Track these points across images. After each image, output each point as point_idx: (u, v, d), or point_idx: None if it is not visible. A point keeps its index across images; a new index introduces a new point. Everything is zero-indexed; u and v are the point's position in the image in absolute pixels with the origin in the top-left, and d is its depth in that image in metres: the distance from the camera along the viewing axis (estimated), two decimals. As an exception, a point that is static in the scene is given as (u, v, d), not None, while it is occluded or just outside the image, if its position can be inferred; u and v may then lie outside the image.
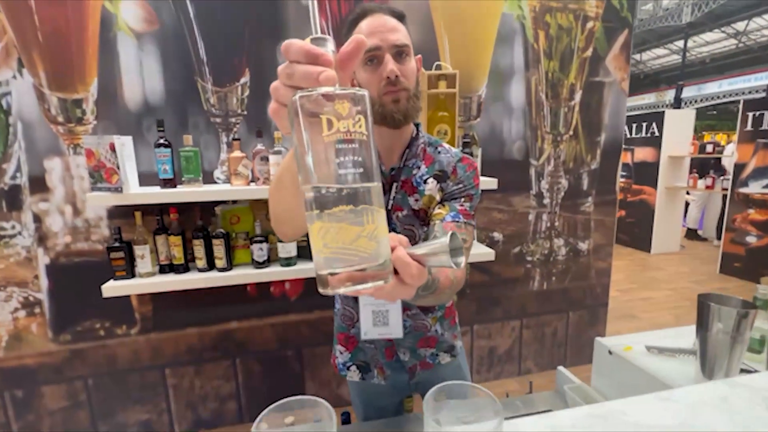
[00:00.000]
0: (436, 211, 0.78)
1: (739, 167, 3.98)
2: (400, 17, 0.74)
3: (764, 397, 0.46)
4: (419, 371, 0.92)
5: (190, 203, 1.60)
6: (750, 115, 3.86)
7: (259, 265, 1.58)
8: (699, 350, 0.75)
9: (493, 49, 1.87)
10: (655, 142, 4.90)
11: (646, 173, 5.03)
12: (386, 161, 0.80)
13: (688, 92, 17.65)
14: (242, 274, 1.55)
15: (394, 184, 0.79)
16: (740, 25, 17.08)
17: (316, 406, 0.33)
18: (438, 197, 0.79)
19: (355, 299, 0.87)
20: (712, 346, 0.71)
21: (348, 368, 0.94)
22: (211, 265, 1.57)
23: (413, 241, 0.80)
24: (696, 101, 17.51)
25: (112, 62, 1.50)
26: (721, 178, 4.65)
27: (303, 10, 1.61)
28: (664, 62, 20.99)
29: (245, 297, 1.79)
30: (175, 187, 1.49)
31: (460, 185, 0.80)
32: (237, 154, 1.52)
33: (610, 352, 0.92)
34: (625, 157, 5.37)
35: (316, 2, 0.55)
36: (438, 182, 0.79)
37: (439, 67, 1.72)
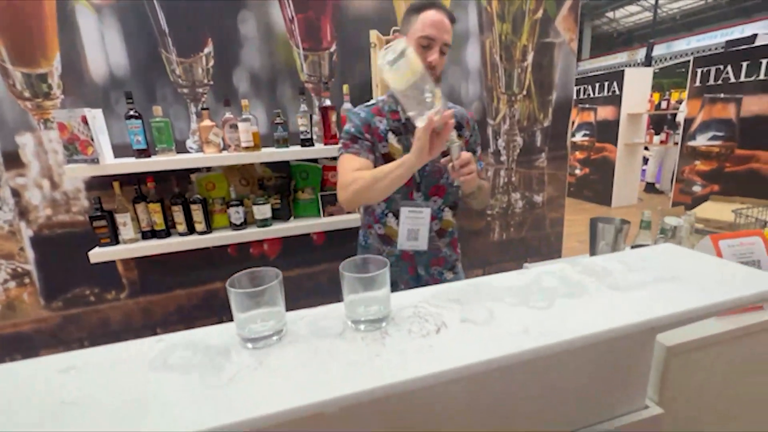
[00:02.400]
0: None
1: (688, 122, 4.26)
2: (453, 21, 1.02)
3: (585, 269, 0.64)
4: (431, 284, 1.12)
5: (166, 172, 1.69)
6: (699, 71, 4.09)
7: (237, 227, 1.71)
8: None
9: (448, 13, 1.96)
10: (616, 100, 5.12)
11: (608, 131, 5.29)
12: None
13: (658, 50, 17.90)
14: (222, 236, 1.68)
15: None
16: (708, -20, 17.11)
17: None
18: (457, 139, 1.03)
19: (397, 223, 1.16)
20: (599, 254, 0.91)
21: None
22: (191, 229, 1.68)
23: (440, 174, 1.13)
24: (666, 59, 17.82)
25: (73, 36, 1.52)
26: (675, 133, 4.95)
27: (261, -22, 1.65)
28: (636, 20, 21.04)
29: (227, 258, 1.93)
30: (149, 156, 1.58)
31: (474, 135, 1.19)
32: (207, 123, 1.60)
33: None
34: (589, 116, 5.60)
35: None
36: (457, 130, 1.08)
37: (397, 32, 1.80)
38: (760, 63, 3.61)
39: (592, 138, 5.57)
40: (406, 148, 1.09)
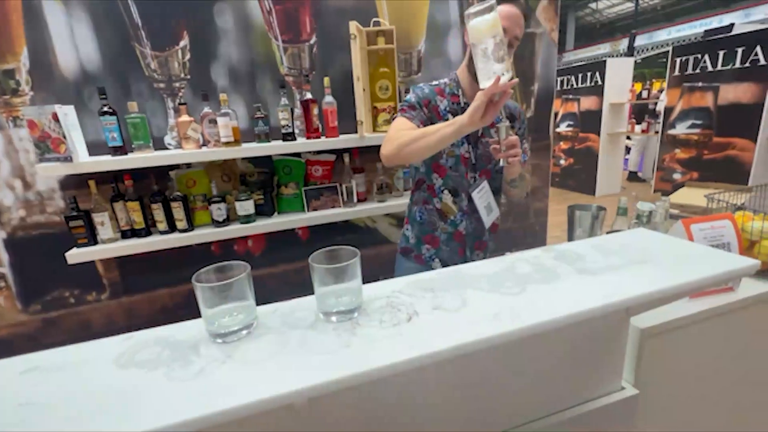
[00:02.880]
0: None
1: (668, 111, 4.34)
2: (527, 18, 1.13)
3: (559, 255, 0.65)
4: None
5: (143, 169, 1.65)
6: (678, 60, 4.16)
7: (219, 224, 1.68)
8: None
9: (429, 5, 1.95)
10: (598, 90, 5.19)
11: (591, 121, 5.35)
12: None
13: (640, 41, 18.14)
14: (204, 233, 1.66)
15: None
16: (688, -30, 17.37)
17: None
18: (510, 131, 1.14)
19: (461, 208, 1.25)
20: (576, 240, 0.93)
21: (433, 260, 1.31)
22: (172, 228, 1.65)
23: (489, 160, 1.21)
24: (647, 49, 18.08)
25: (40, 30, 1.47)
26: (656, 122, 5.04)
27: (236, -31, 1.61)
28: (618, 10, 21.27)
29: (210, 256, 1.90)
30: (126, 154, 1.54)
31: (522, 128, 1.28)
32: (185, 118, 1.57)
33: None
34: (573, 107, 5.66)
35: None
36: (510, 121, 1.16)
37: (377, 24, 1.79)
38: (736, 52, 3.69)
39: (576, 128, 5.64)
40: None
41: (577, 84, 5.49)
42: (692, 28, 16.11)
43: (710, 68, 3.92)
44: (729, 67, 3.77)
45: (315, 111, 1.72)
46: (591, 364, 0.70)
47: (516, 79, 0.89)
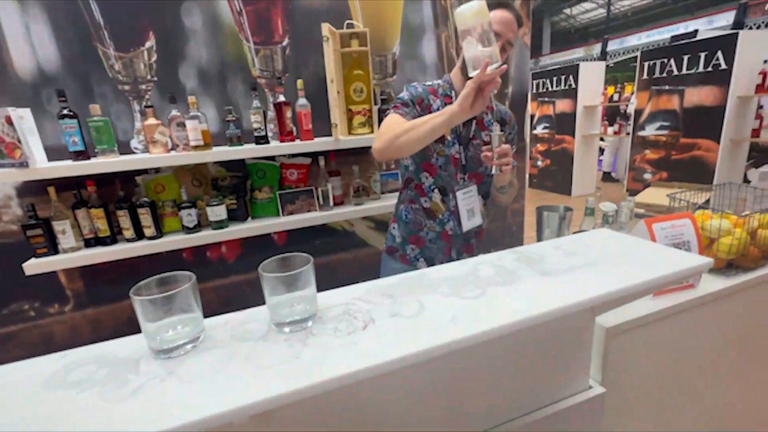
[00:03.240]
0: None
1: (638, 113, 4.49)
2: (520, 24, 1.13)
3: (522, 256, 0.65)
4: None
5: (108, 175, 1.58)
6: (646, 64, 4.31)
7: (190, 230, 1.63)
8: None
9: (402, 8, 1.95)
10: (572, 93, 5.32)
11: (566, 123, 5.49)
12: None
13: (612, 45, 18.79)
14: (174, 240, 1.60)
15: (473, 121, 1.21)
16: (656, -23, 18.15)
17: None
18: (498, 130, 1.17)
19: (448, 207, 1.25)
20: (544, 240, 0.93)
21: (418, 260, 1.32)
22: (140, 235, 1.59)
23: (479, 162, 1.22)
24: (619, 54, 18.73)
25: (-7, 28, 1.39)
26: (627, 124, 5.21)
27: (204, -32, 1.57)
28: (591, 16, 22.00)
29: (182, 263, 1.84)
30: (88, 159, 1.47)
31: (512, 133, 1.31)
32: (152, 121, 1.52)
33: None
34: (548, 109, 5.79)
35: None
36: (501, 125, 1.24)
37: (350, 26, 1.77)
38: (699, 56, 3.86)
39: (552, 130, 5.77)
40: (453, 131, 1.20)
41: (552, 87, 5.63)
42: (660, 34, 16.80)
43: (676, 72, 4.07)
44: (693, 71, 3.93)
45: (288, 114, 1.69)
46: (559, 365, 0.70)
47: (505, 66, 0.90)
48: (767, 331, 1.07)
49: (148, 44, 1.58)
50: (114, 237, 1.57)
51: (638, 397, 0.88)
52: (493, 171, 1.03)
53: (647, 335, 0.84)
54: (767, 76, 3.55)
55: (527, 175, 6.57)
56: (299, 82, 1.68)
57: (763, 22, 13.63)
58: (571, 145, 5.51)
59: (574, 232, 0.92)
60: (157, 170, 1.67)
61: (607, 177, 6.58)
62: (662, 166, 4.38)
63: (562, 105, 5.53)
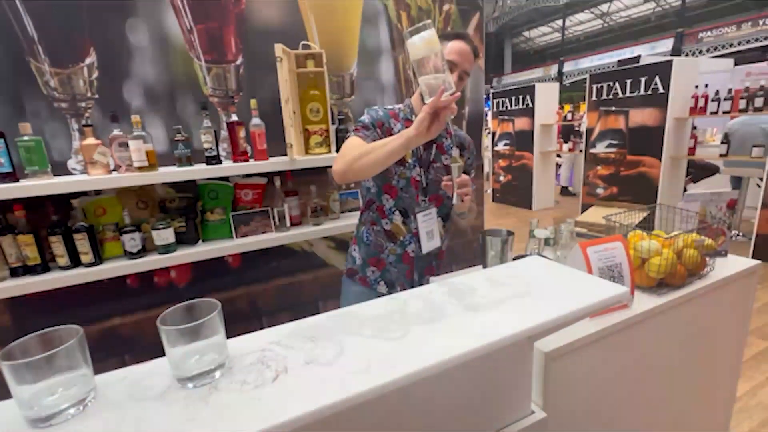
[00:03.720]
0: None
1: (589, 131, 4.77)
2: (476, 55, 1.18)
3: (452, 289, 0.65)
4: None
5: (38, 198, 1.47)
6: (594, 87, 4.61)
7: (134, 255, 1.54)
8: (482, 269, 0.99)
9: (359, 29, 1.98)
10: (530, 112, 5.59)
11: (525, 140, 5.74)
12: None
13: (568, 67, 20.07)
14: (115, 267, 1.50)
15: (433, 145, 1.24)
16: (605, 7, 19.80)
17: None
18: (459, 159, 1.18)
19: (410, 229, 1.27)
20: (490, 265, 0.95)
21: (378, 283, 1.32)
22: (76, 262, 1.48)
23: (440, 185, 1.21)
24: (574, 75, 20.01)
25: None
26: (580, 141, 5.51)
27: (151, -15, 1.53)
28: (548, 39, 23.46)
29: (126, 291, 1.73)
30: (17, 181, 1.36)
31: (471, 158, 1.37)
32: (91, 141, 1.43)
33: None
34: (508, 127, 6.04)
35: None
36: (459, 150, 1.29)
37: (306, 47, 1.78)
38: (640, 81, 4.17)
39: (512, 147, 6.01)
40: (414, 154, 1.23)
41: (511, 106, 5.88)
42: (611, 57, 18.12)
43: (621, 94, 4.38)
44: (636, 94, 4.24)
45: (242, 133, 1.65)
46: (498, 393, 0.70)
47: (458, 94, 0.92)
48: (697, 343, 1.13)
49: (88, 60, 1.50)
50: (46, 265, 1.45)
51: (580, 418, 0.89)
52: (455, 200, 1.06)
53: (586, 357, 0.86)
54: (698, 99, 3.89)
55: (491, 190, 6.80)
56: (253, 101, 1.65)
57: (697, 49, 15.05)
58: (530, 161, 5.75)
59: (515, 257, 0.95)
60: (97, 192, 1.57)
61: (565, 191, 6.91)
62: (612, 182, 4.65)
63: (521, 123, 5.79)
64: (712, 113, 3.83)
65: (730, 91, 3.71)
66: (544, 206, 5.97)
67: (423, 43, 0.91)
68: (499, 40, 23.38)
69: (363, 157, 1.02)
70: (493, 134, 6.39)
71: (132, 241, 1.52)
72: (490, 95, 6.35)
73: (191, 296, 1.80)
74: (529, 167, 5.77)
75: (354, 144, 1.12)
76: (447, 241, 1.41)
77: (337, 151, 1.84)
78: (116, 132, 1.46)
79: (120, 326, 1.75)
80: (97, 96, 1.54)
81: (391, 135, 1.19)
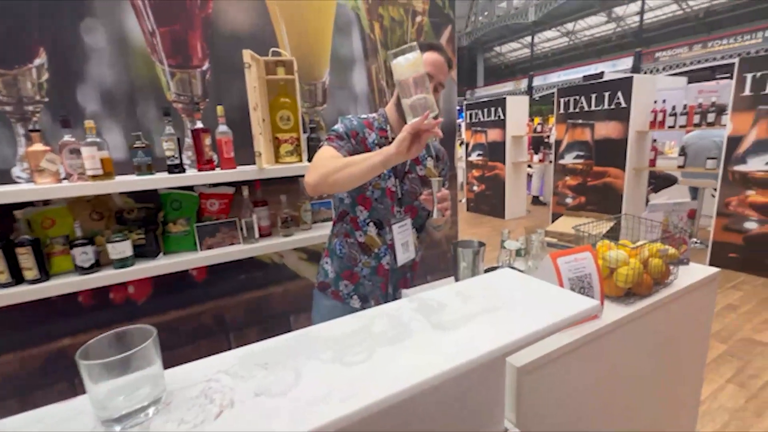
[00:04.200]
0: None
1: (558, 143, 4.94)
2: (450, 66, 1.19)
3: (421, 306, 0.62)
4: None
5: (-23, 209, 1.34)
6: (561, 100, 4.79)
7: (85, 270, 1.42)
8: (455, 280, 0.97)
9: (332, 38, 1.96)
10: (501, 124, 5.74)
11: (497, 151, 5.88)
12: None
13: (537, 81, 20.91)
14: (63, 283, 1.38)
15: None
16: (570, 26, 20.89)
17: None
18: (434, 170, 1.25)
19: (384, 241, 1.24)
20: (461, 277, 0.93)
21: (351, 297, 1.28)
22: (18, 278, 1.36)
23: (415, 196, 1.23)
24: (543, 89, 20.87)
25: None
26: (550, 152, 5.70)
27: (110, -15, 1.45)
28: (518, 55, 24.42)
29: (78, 308, 1.60)
30: (-50, 190, 1.24)
31: (445, 169, 1.34)
32: (38, 147, 1.32)
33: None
34: (481, 138, 6.17)
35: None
36: (434, 161, 1.29)
37: (276, 54, 1.73)
38: (604, 95, 4.37)
39: (485, 157, 6.13)
40: None
41: (483, 117, 6.02)
42: (576, 73, 19.02)
43: (587, 108, 4.57)
44: (600, 107, 4.44)
45: (207, 141, 1.58)
46: (471, 411, 0.68)
47: (441, 119, 0.91)
48: (664, 350, 1.15)
49: (37, 61, 1.40)
50: (-18, 282, 1.32)
51: (554, 431, 0.88)
52: (435, 215, 1.04)
53: (558, 369, 0.85)
54: (657, 114, 4.11)
55: (465, 200, 6.91)
56: (219, 108, 1.58)
57: (654, 68, 16.08)
58: (502, 171, 5.88)
59: (486, 268, 0.94)
60: (45, 203, 1.45)
61: (536, 200, 7.10)
62: (580, 192, 4.81)
63: (493, 134, 5.93)
64: (669, 127, 4.05)
65: (685, 106, 3.94)
66: (517, 215, 6.11)
67: (408, 64, 0.89)
68: (471, 54, 24.13)
69: (339, 171, 0.98)
70: (467, 145, 6.51)
71: (84, 254, 1.41)
72: (464, 107, 6.48)
73: (150, 312, 1.68)
74: (501, 177, 5.90)
75: (327, 155, 1.08)
76: (421, 253, 1.39)
77: (309, 160, 1.79)
78: (67, 138, 1.36)
79: (70, 347, 1.61)
80: (46, 99, 1.43)
81: (365, 144, 1.18)
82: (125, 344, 0.38)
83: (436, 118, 0.89)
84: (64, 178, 1.40)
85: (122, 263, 1.47)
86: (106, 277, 1.44)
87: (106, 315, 1.65)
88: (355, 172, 0.96)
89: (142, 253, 1.56)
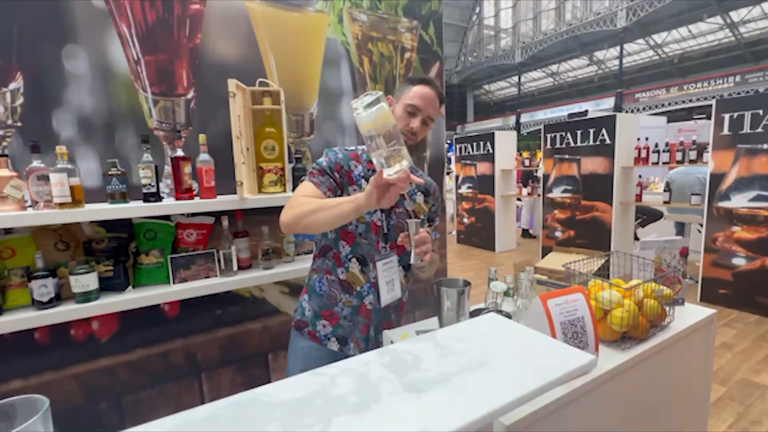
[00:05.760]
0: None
1: (546, 177, 5.01)
2: (442, 101, 1.16)
3: (394, 359, 0.55)
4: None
5: (-72, 237, 1.25)
6: (548, 136, 4.91)
7: (44, 305, 1.32)
8: (438, 322, 0.90)
9: (321, 71, 1.98)
10: (490, 158, 5.83)
11: (487, 184, 5.93)
12: None
13: (525, 118, 21.70)
14: (17, 320, 1.27)
15: None
16: (554, 67, 22.03)
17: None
18: (424, 205, 1.23)
19: (368, 279, 1.17)
20: (446, 318, 0.86)
21: (329, 339, 1.19)
22: (-33, 314, 1.24)
23: (403, 229, 1.15)
24: (530, 125, 21.63)
25: None
26: (538, 186, 5.77)
27: (96, 12, 1.45)
28: (506, 93, 25.48)
29: (33, 346, 1.47)
30: None
31: (436, 205, 1.29)
32: (3, 173, 1.25)
33: (391, 341, 1.03)
34: (471, 171, 6.25)
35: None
36: (424, 196, 1.24)
37: (264, 84, 1.73)
38: (589, 132, 4.49)
39: (475, 190, 6.18)
40: None
41: (473, 151, 6.13)
42: (561, 111, 19.82)
43: (573, 144, 4.68)
44: (586, 143, 4.54)
45: (187, 169, 1.53)
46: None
47: (407, 173, 0.82)
48: (663, 395, 1.07)
49: (12, 85, 1.36)
50: (-75, 318, 1.20)
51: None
52: (412, 260, 0.96)
53: (551, 424, 0.77)
54: (641, 150, 4.21)
55: (455, 232, 6.89)
56: (201, 136, 1.55)
57: (635, 108, 16.84)
58: (492, 204, 5.91)
59: (473, 310, 0.87)
60: (8, 231, 1.36)
61: (525, 233, 7.11)
62: (569, 225, 4.83)
63: (483, 167, 6.01)
64: (653, 163, 4.14)
65: (666, 144, 4.05)
66: (507, 248, 6.08)
67: (372, 119, 0.79)
68: (462, 91, 25.10)
69: (311, 214, 0.96)
70: (457, 177, 6.57)
71: (43, 288, 1.31)
72: (454, 141, 6.60)
73: (115, 351, 1.54)
74: (491, 210, 5.92)
75: (305, 192, 1.06)
76: (407, 293, 1.31)
77: (293, 190, 1.74)
78: (36, 164, 1.29)
79: (24, 389, 1.46)
80: (19, 124, 1.38)
81: (350, 177, 1.14)
82: (8, 419, 0.31)
83: (407, 167, 0.81)
84: (30, 206, 1.33)
85: (85, 297, 1.37)
86: (66, 312, 1.33)
87: (64, 354, 1.52)
88: (326, 217, 0.94)
89: (109, 286, 1.46)
